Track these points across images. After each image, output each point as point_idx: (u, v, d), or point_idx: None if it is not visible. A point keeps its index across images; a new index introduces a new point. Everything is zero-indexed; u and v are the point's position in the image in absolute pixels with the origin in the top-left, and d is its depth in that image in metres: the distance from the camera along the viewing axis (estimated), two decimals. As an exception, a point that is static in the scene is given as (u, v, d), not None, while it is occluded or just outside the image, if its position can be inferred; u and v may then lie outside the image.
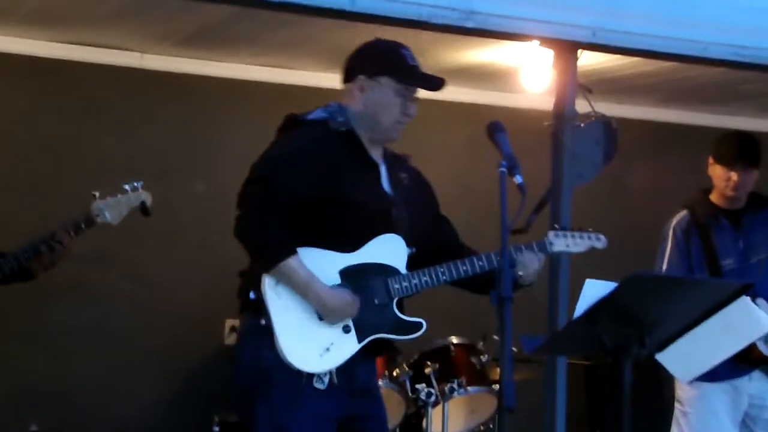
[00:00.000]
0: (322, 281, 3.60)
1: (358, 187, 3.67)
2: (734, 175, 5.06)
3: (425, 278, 3.74)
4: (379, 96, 3.74)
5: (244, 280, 3.73)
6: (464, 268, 3.77)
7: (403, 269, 3.74)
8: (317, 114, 3.74)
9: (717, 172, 5.12)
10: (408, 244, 3.76)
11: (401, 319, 3.73)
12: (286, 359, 3.57)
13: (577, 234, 3.97)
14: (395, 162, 3.89)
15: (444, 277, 3.76)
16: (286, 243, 3.56)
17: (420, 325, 3.76)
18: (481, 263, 3.78)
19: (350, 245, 3.66)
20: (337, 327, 3.64)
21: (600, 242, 4.02)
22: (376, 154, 3.82)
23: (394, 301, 3.72)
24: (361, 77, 3.76)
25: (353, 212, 3.65)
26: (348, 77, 3.81)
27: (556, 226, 3.93)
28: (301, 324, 3.60)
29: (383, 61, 3.77)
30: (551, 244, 3.86)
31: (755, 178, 5.13)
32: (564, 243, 3.92)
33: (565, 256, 4.82)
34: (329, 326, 3.63)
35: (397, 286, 3.71)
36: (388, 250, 3.72)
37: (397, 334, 3.74)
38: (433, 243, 3.86)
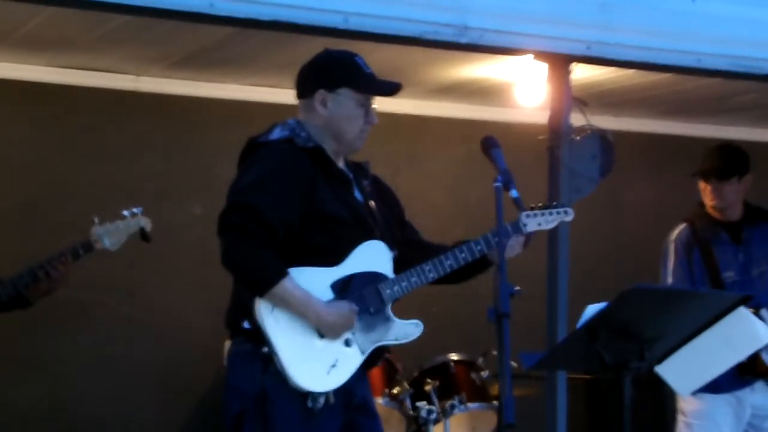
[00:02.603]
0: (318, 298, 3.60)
1: (335, 201, 3.66)
2: (708, 187, 5.14)
3: (414, 278, 3.74)
4: (341, 108, 3.73)
5: (232, 309, 3.71)
6: (448, 262, 3.78)
7: (390, 274, 3.74)
8: (279, 133, 3.71)
9: (699, 184, 5.18)
10: (390, 248, 3.77)
11: (398, 323, 3.74)
12: (295, 383, 3.55)
13: (546, 211, 3.99)
14: (357, 170, 3.87)
15: (432, 275, 3.76)
16: (277, 265, 3.54)
17: (417, 325, 3.76)
18: (463, 255, 3.80)
19: (334, 259, 3.66)
20: (338, 343, 3.64)
21: (568, 215, 4.06)
22: (342, 165, 3.81)
23: (388, 306, 3.72)
24: (321, 91, 3.73)
25: (333, 227, 3.64)
26: (305, 92, 3.79)
27: (531, 206, 3.94)
28: (304, 346, 3.59)
29: (341, 73, 3.75)
30: (525, 225, 3.89)
31: (738, 189, 5.14)
32: (536, 222, 3.95)
33: (564, 265, 4.86)
34: (331, 343, 3.62)
35: (388, 291, 3.71)
36: (373, 256, 3.72)
37: (396, 339, 3.74)
38: (402, 245, 3.85)
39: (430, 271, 3.76)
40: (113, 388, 5.99)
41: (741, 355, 3.49)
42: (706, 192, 5.16)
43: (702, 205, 5.21)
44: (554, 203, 4.06)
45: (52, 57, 5.72)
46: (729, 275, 5.06)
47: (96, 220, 4.53)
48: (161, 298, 6.13)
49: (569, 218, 4.07)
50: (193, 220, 6.06)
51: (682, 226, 5.20)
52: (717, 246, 5.10)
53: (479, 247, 3.81)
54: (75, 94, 5.97)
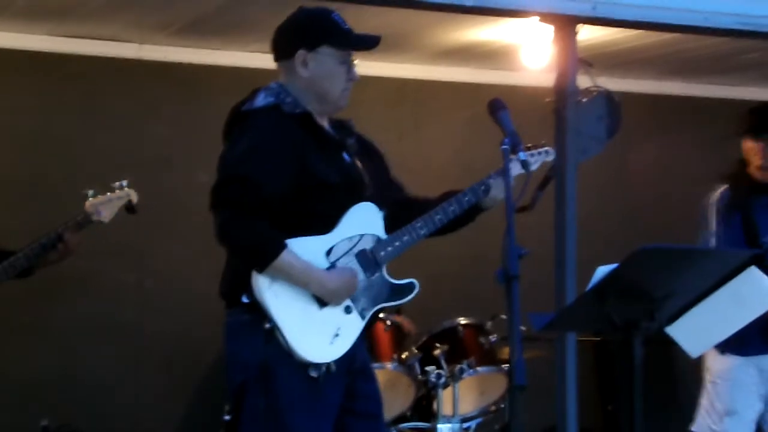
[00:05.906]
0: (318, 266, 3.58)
1: (326, 167, 3.63)
2: (754, 146, 5.01)
3: (406, 237, 3.73)
4: (322, 67, 3.67)
5: (228, 280, 3.70)
6: (438, 217, 3.77)
7: (383, 234, 3.73)
8: (264, 100, 3.67)
9: (743, 144, 5.07)
10: (380, 208, 3.75)
11: (394, 284, 3.74)
12: (301, 356, 3.55)
13: (528, 153, 3.87)
14: (341, 129, 3.83)
15: (423, 231, 3.75)
16: (275, 239, 3.52)
17: (412, 285, 3.76)
18: (452, 208, 3.80)
19: (326, 225, 3.63)
20: (339, 311, 3.64)
21: (549, 155, 4.09)
22: (327, 126, 3.77)
23: (383, 267, 3.72)
24: (301, 51, 3.68)
25: (326, 194, 3.61)
26: (285, 53, 3.73)
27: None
28: (305, 317, 3.59)
29: (320, 31, 3.69)
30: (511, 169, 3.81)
31: None
32: (518, 166, 3.83)
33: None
34: (332, 312, 3.62)
35: (382, 252, 3.70)
36: (364, 219, 3.71)
37: (393, 300, 3.75)
38: (390, 204, 3.82)
39: (421, 228, 3.75)
40: (121, 355, 6.01)
41: (752, 314, 3.47)
42: (747, 150, 5.03)
43: (744, 164, 5.09)
44: (529, 145, 3.97)
45: (55, 26, 5.70)
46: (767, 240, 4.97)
47: (89, 192, 4.60)
48: (168, 266, 6.14)
49: (550, 157, 4.06)
50: (199, 188, 6.03)
51: (722, 188, 5.09)
52: (757, 210, 5.00)
53: (467, 198, 3.81)
54: (78, 63, 5.95)
